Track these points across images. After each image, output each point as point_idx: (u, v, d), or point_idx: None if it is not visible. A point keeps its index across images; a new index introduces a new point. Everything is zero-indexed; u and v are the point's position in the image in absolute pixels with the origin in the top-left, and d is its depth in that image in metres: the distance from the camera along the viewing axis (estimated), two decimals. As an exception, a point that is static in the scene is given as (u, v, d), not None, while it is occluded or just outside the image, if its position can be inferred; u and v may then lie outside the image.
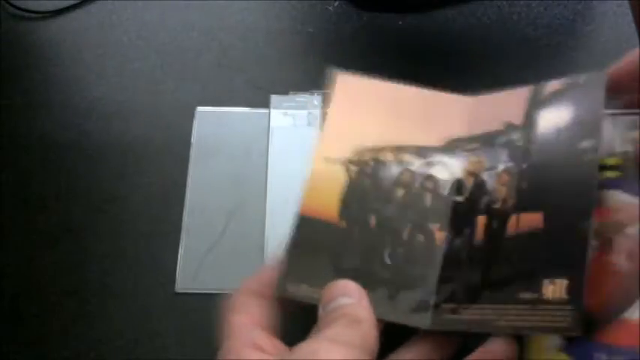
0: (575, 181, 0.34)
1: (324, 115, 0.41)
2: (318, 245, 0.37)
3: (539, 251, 0.34)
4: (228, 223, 0.47)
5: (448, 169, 0.39)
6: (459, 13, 0.56)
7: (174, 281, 0.45)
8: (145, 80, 0.54)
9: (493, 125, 0.39)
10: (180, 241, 0.47)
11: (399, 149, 0.39)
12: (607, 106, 0.36)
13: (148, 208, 0.48)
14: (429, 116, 0.41)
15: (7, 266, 0.46)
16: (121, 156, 0.50)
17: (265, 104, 0.51)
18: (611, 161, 0.35)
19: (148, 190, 0.49)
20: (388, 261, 0.36)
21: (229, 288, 0.44)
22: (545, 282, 0.32)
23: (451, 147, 0.40)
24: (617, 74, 0.37)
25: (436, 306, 0.35)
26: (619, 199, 0.34)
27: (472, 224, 0.36)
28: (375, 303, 0.33)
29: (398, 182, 0.38)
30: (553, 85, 0.38)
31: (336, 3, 0.57)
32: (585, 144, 0.35)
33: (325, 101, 0.50)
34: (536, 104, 0.38)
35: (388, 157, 0.39)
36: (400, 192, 0.38)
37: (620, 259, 0.33)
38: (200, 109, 0.52)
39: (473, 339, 0.34)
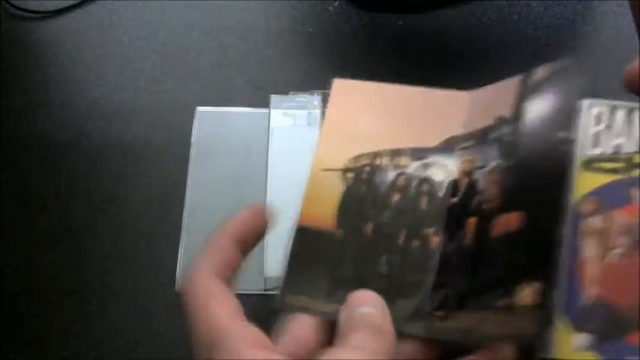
0: (551, 177, 0.33)
1: (322, 123, 0.41)
2: (315, 255, 0.36)
3: (515, 254, 0.33)
4: (228, 223, 0.47)
5: (444, 169, 0.38)
6: (459, 13, 0.56)
7: (174, 281, 0.45)
8: (145, 80, 0.54)
9: (487, 120, 0.38)
10: (180, 241, 0.47)
11: (395, 153, 0.39)
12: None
13: (148, 208, 0.48)
14: (425, 116, 0.40)
15: (7, 266, 0.46)
16: (121, 156, 0.50)
17: (265, 104, 0.51)
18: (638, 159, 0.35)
19: (148, 190, 0.49)
20: (385, 269, 0.36)
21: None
22: (520, 287, 0.32)
23: (448, 146, 0.39)
24: (635, 71, 0.36)
25: (430, 313, 0.34)
26: None
27: (463, 226, 0.36)
28: None
29: (394, 187, 0.38)
30: (540, 72, 0.37)
31: (336, 3, 0.57)
32: (561, 135, 0.34)
33: (325, 106, 0.50)
34: (524, 94, 0.37)
35: (384, 161, 0.38)
36: (396, 197, 0.37)
37: None
38: (200, 109, 0.52)
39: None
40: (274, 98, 0.51)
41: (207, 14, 0.57)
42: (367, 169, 0.38)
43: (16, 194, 0.49)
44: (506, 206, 0.34)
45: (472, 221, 0.35)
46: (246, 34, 0.56)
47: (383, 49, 0.55)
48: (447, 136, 0.39)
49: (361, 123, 0.40)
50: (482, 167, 0.37)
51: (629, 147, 0.35)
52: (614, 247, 0.34)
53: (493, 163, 0.36)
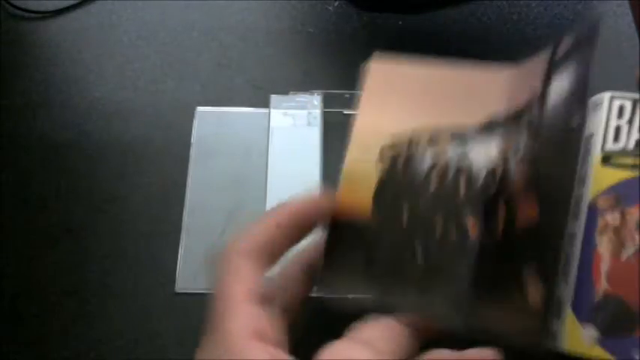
0: (560, 166, 0.32)
1: (356, 107, 0.39)
2: (352, 247, 0.35)
3: (526, 249, 0.32)
4: (228, 223, 0.47)
5: (483, 155, 0.35)
6: (458, 13, 0.56)
7: (174, 281, 0.45)
8: (145, 80, 0.54)
9: (523, 99, 0.36)
10: (180, 241, 0.47)
11: (432, 137, 0.36)
12: None
13: (148, 208, 0.48)
14: (466, 95, 0.38)
15: (7, 266, 0.46)
16: (121, 156, 0.50)
17: (265, 104, 0.51)
18: None
19: (148, 190, 0.49)
20: (420, 256, 0.34)
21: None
22: (529, 281, 0.31)
23: (487, 128, 0.36)
24: None
25: (467, 305, 0.33)
26: None
27: (496, 215, 0.34)
28: (405, 299, 0.32)
29: (431, 174, 0.35)
30: (564, 44, 0.35)
31: (336, 3, 0.57)
32: (574, 120, 0.32)
33: (325, 107, 0.50)
34: (550, 72, 0.35)
35: (421, 147, 0.36)
36: (433, 184, 0.35)
37: None
38: (200, 109, 0.52)
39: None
40: (274, 98, 0.51)
41: (207, 14, 0.57)
42: (403, 155, 0.36)
43: (16, 194, 0.49)
44: (526, 196, 0.33)
45: (502, 210, 0.34)
46: (246, 34, 0.56)
47: (383, 49, 0.55)
48: (487, 117, 0.37)
49: (398, 105, 0.38)
50: (515, 153, 0.35)
51: None
52: (628, 245, 0.34)
53: (521, 150, 0.34)
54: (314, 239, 0.36)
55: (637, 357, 0.31)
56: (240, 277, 0.32)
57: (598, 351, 0.32)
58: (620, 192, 0.34)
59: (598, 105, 0.37)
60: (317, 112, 0.50)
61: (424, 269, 0.34)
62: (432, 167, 0.36)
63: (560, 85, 0.34)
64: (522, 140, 0.34)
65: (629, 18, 0.55)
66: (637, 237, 0.33)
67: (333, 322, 0.33)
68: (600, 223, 0.34)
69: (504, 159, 0.35)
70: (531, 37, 0.55)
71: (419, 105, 0.38)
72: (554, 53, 0.35)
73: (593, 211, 0.35)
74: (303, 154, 0.48)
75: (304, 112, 0.50)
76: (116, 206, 0.48)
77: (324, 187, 0.38)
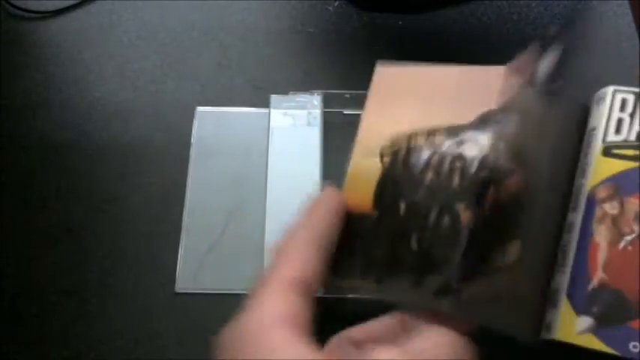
0: (541, 137, 0.34)
1: (363, 110, 0.41)
2: (353, 237, 0.37)
3: (510, 215, 0.34)
4: (228, 223, 0.47)
5: (477, 145, 0.37)
6: (459, 13, 0.56)
7: (174, 281, 0.45)
8: (145, 80, 0.54)
9: (515, 90, 0.38)
10: (180, 241, 0.47)
11: (431, 132, 0.38)
12: None
13: (148, 208, 0.48)
14: (461, 93, 0.40)
15: (7, 266, 0.46)
16: (121, 156, 0.50)
17: (265, 104, 0.51)
18: None
19: (148, 190, 0.49)
20: (415, 246, 0.36)
21: (229, 288, 0.45)
22: (509, 245, 0.33)
23: (482, 121, 0.38)
24: None
25: (455, 289, 0.34)
26: None
27: (486, 197, 0.36)
28: (399, 289, 0.33)
29: (427, 166, 0.37)
30: (552, 30, 0.39)
31: (336, 3, 0.57)
32: (554, 86, 0.35)
33: (325, 107, 0.50)
34: (537, 59, 0.38)
35: (419, 142, 0.38)
36: (429, 176, 0.37)
37: None
38: (200, 109, 0.52)
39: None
40: (274, 98, 0.51)
41: (207, 14, 0.57)
42: (403, 151, 0.38)
43: (16, 194, 0.49)
44: (512, 171, 0.35)
45: (491, 190, 0.36)
46: (246, 34, 0.56)
47: (383, 49, 0.55)
48: (482, 111, 0.39)
49: (400, 108, 0.40)
50: (505, 136, 0.37)
51: None
52: (626, 234, 0.34)
53: (509, 131, 0.36)
54: None
55: (632, 348, 0.31)
56: (286, 266, 0.32)
57: (593, 341, 0.32)
58: (620, 182, 0.35)
59: (601, 99, 0.37)
60: (317, 112, 0.50)
61: (418, 255, 0.35)
62: (429, 159, 0.37)
63: (544, 69, 0.37)
64: (513, 125, 0.37)
65: (629, 18, 0.55)
66: (635, 226, 0.33)
67: (332, 323, 0.33)
68: (598, 212, 0.35)
69: (495, 146, 0.37)
70: (531, 37, 0.55)
71: (418, 105, 0.40)
72: (541, 46, 0.38)
73: (591, 201, 0.35)
74: (303, 154, 0.48)
75: (304, 112, 0.50)
76: (116, 206, 0.48)
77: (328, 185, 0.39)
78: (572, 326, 0.33)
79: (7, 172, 0.49)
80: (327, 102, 0.51)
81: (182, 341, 0.44)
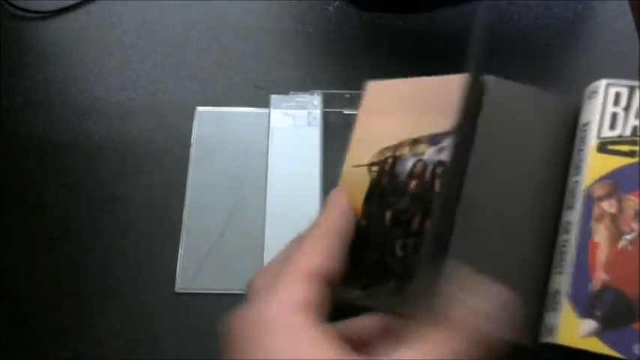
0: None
1: (356, 120, 0.43)
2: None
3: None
4: (228, 223, 0.47)
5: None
6: (459, 13, 0.56)
7: (174, 281, 0.45)
8: (145, 80, 0.54)
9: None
10: (180, 241, 0.47)
11: (414, 142, 0.40)
12: None
13: (148, 208, 0.48)
14: (444, 102, 0.41)
15: (7, 266, 0.46)
16: (121, 156, 0.50)
17: (265, 104, 0.51)
18: None
19: (148, 190, 0.49)
20: (399, 253, 0.36)
21: (229, 288, 0.45)
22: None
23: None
24: None
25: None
26: None
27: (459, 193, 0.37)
28: (383, 296, 0.33)
29: (411, 174, 0.39)
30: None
31: (336, 3, 0.57)
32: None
33: (325, 106, 0.51)
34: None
35: (405, 151, 0.39)
36: (413, 183, 0.38)
37: None
38: (200, 109, 0.52)
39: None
40: (274, 98, 0.51)
41: (207, 14, 0.57)
42: (390, 160, 0.39)
43: (16, 194, 0.49)
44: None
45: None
46: (246, 34, 0.56)
47: (383, 49, 0.55)
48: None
49: (388, 120, 0.41)
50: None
51: None
52: (625, 233, 0.33)
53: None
54: None
55: (636, 351, 0.31)
56: (304, 257, 0.32)
57: (598, 344, 0.31)
58: (618, 179, 0.34)
59: (594, 93, 0.36)
60: (317, 112, 0.50)
61: (402, 263, 0.36)
62: (413, 167, 0.39)
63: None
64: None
65: (629, 18, 0.55)
66: (635, 225, 0.32)
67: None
68: (596, 211, 0.34)
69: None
70: (531, 37, 0.55)
71: (405, 117, 0.41)
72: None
73: (588, 200, 0.34)
74: (303, 154, 0.48)
75: (304, 112, 0.50)
76: (116, 206, 0.48)
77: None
78: (575, 329, 0.32)
79: (7, 172, 0.49)
80: (327, 102, 0.51)
81: (182, 341, 0.44)
